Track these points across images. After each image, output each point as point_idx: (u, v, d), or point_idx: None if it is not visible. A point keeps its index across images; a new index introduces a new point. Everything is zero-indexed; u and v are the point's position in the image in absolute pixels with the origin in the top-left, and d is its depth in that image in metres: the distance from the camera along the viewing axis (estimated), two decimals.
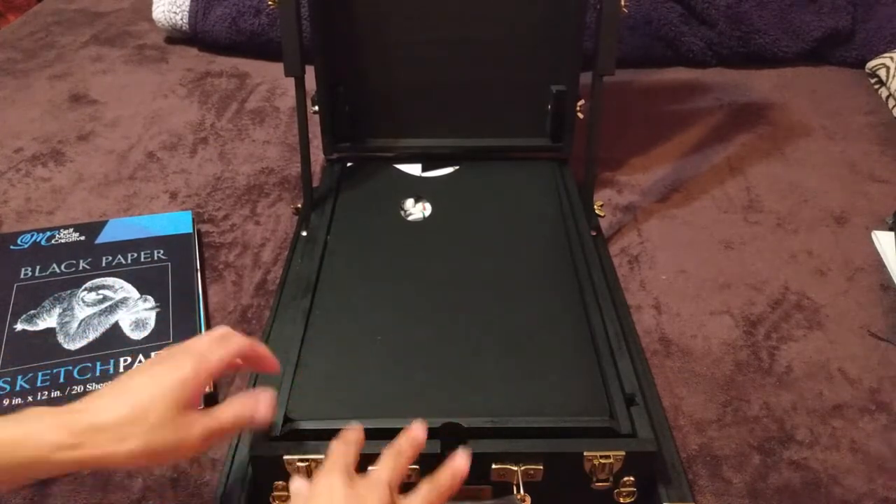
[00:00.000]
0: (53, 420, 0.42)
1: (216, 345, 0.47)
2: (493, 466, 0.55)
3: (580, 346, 0.65)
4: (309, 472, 0.55)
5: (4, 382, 0.68)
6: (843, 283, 0.83)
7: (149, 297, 0.77)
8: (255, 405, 0.47)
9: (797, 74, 1.24)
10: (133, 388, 0.43)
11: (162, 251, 0.83)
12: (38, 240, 0.84)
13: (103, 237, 0.85)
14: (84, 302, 0.77)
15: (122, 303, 0.77)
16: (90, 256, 0.82)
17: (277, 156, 1.05)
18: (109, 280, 0.79)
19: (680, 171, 1.01)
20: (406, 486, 0.56)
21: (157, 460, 0.42)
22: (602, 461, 0.55)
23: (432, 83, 0.91)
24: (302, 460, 0.55)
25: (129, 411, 0.41)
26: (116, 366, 0.70)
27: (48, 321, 0.75)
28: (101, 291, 0.78)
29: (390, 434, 0.56)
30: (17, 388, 0.68)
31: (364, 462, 0.55)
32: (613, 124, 1.08)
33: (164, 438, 0.42)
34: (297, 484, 0.48)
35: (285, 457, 0.55)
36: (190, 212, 0.90)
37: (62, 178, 1.01)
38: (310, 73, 0.84)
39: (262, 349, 0.51)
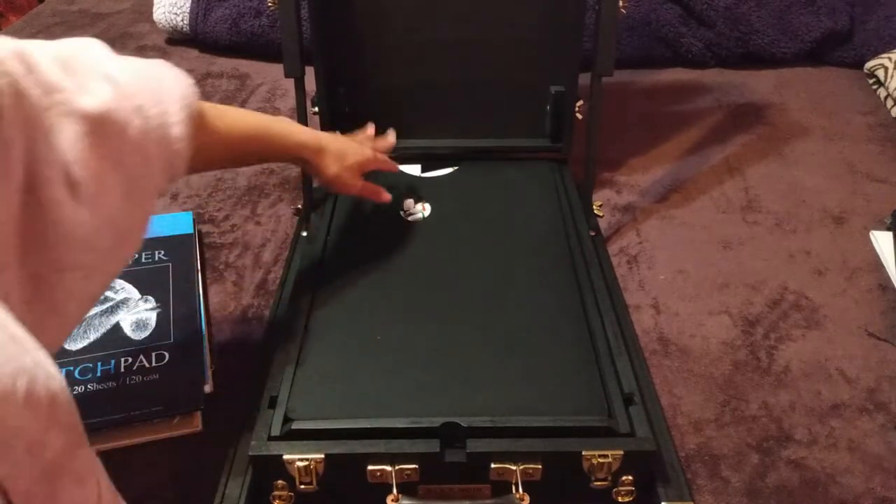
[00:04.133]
0: (305, 129, 0.71)
1: (383, 156, 0.80)
2: (493, 466, 0.56)
3: (579, 346, 0.66)
4: (309, 472, 0.55)
5: None
6: (842, 283, 0.83)
7: (150, 298, 0.78)
8: (382, 191, 0.78)
9: (796, 75, 1.24)
10: (343, 148, 0.73)
11: (163, 252, 0.83)
12: None
13: None
14: None
15: (122, 303, 0.77)
16: None
17: None
18: None
19: (679, 172, 1.01)
20: (405, 486, 0.56)
21: (334, 183, 0.73)
22: (601, 460, 0.55)
23: (432, 84, 0.91)
24: (302, 460, 0.55)
25: (340, 150, 0.72)
26: (118, 366, 0.70)
27: None
28: None
29: (390, 434, 0.57)
30: None
31: (362, 463, 0.55)
32: (612, 125, 1.08)
33: (346, 174, 0.73)
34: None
35: (285, 457, 0.55)
36: (191, 212, 0.90)
37: None
38: (310, 74, 0.85)
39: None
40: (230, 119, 0.61)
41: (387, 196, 0.78)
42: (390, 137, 0.83)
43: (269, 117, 0.69)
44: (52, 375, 0.36)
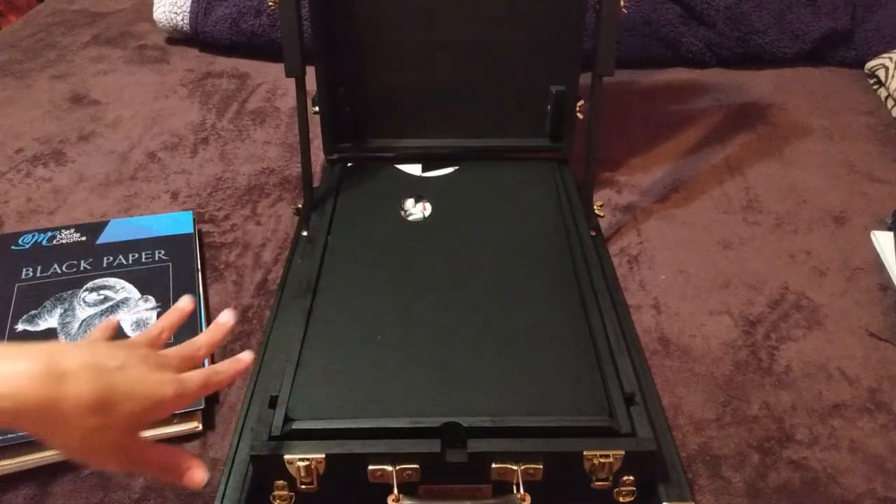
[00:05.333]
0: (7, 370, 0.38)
1: (200, 382, 0.47)
2: (493, 466, 0.55)
3: (580, 346, 0.66)
4: (309, 472, 0.55)
5: None
6: (842, 283, 0.83)
7: (150, 298, 0.78)
8: (187, 467, 0.47)
9: (796, 75, 1.24)
10: (116, 384, 0.40)
11: (163, 251, 0.83)
12: (39, 240, 0.85)
13: (104, 237, 0.85)
14: (85, 302, 0.77)
15: (123, 303, 0.77)
16: (91, 257, 0.82)
17: (278, 156, 1.05)
18: (110, 280, 0.80)
19: (679, 172, 1.01)
20: (406, 486, 0.56)
21: (83, 457, 0.40)
22: (602, 460, 0.55)
23: (432, 83, 0.91)
24: (302, 460, 0.55)
25: (100, 394, 0.39)
26: None
27: (49, 321, 0.75)
28: (102, 292, 0.78)
29: (391, 434, 0.57)
30: None
31: (363, 463, 0.55)
32: (613, 125, 1.08)
33: (106, 449, 0.40)
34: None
35: (285, 457, 0.55)
36: (191, 212, 0.90)
37: (63, 178, 1.01)
38: (310, 74, 0.85)
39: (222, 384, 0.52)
40: None
41: (198, 481, 0.46)
42: (224, 317, 0.54)
43: None
44: None
